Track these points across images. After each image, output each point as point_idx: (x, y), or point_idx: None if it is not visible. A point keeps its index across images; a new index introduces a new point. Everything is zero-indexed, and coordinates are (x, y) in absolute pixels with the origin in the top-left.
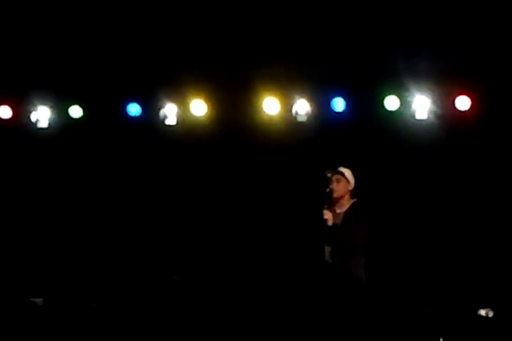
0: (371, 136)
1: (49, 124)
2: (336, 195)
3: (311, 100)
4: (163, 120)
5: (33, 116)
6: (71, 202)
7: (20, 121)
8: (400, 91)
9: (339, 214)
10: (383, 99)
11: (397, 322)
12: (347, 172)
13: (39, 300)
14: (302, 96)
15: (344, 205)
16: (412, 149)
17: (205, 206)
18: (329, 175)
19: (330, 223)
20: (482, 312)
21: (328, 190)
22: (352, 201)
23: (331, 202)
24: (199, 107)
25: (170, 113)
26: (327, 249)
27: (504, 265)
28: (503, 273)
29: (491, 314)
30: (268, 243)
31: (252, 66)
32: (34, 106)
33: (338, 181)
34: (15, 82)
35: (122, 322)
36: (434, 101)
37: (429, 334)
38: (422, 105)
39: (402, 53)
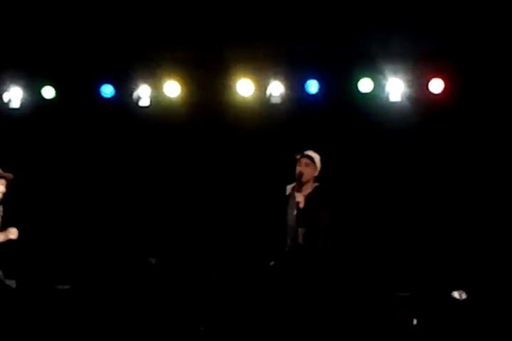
0: (344, 118)
1: (21, 105)
2: (304, 178)
3: (285, 82)
4: (137, 101)
5: (6, 97)
6: (43, 184)
7: None
8: (374, 73)
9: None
10: (357, 81)
11: (370, 305)
12: (316, 158)
13: (12, 282)
14: (276, 78)
15: (307, 189)
16: (385, 131)
17: (178, 187)
18: (298, 156)
19: (302, 205)
20: (455, 294)
21: (298, 172)
22: (314, 185)
23: (299, 185)
24: (173, 88)
25: (143, 94)
26: (301, 231)
27: (478, 245)
28: (476, 254)
29: (464, 296)
30: (242, 225)
31: (227, 47)
32: (6, 87)
33: (307, 165)
34: None
35: (96, 305)
36: (408, 84)
37: (403, 315)
38: (395, 88)
39: (376, 35)
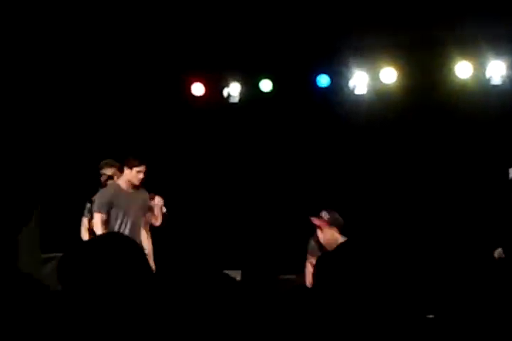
0: None
1: (240, 99)
2: None
3: (505, 62)
4: (353, 90)
5: (225, 92)
6: (279, 176)
7: (213, 97)
8: None
9: None
10: None
11: None
12: None
13: (237, 273)
14: (495, 58)
15: None
16: None
17: (403, 171)
18: None
19: None
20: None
21: None
22: None
23: None
24: (389, 75)
25: (359, 82)
26: None
27: None
28: None
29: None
30: (464, 210)
31: (442, 30)
32: (226, 82)
33: None
34: (207, 60)
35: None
36: None
37: None
38: None
39: None
